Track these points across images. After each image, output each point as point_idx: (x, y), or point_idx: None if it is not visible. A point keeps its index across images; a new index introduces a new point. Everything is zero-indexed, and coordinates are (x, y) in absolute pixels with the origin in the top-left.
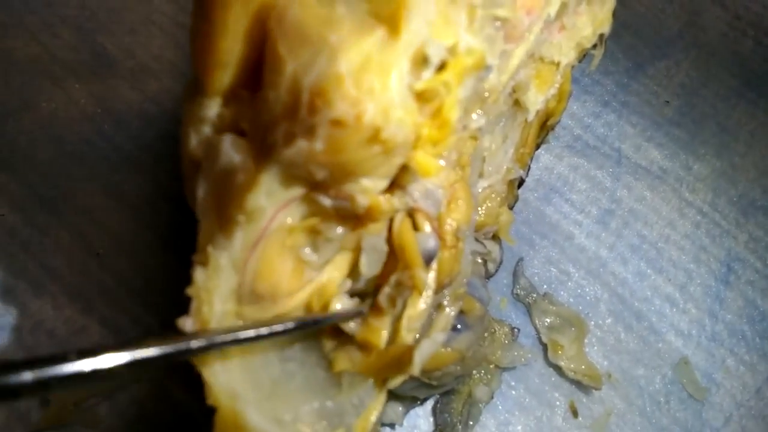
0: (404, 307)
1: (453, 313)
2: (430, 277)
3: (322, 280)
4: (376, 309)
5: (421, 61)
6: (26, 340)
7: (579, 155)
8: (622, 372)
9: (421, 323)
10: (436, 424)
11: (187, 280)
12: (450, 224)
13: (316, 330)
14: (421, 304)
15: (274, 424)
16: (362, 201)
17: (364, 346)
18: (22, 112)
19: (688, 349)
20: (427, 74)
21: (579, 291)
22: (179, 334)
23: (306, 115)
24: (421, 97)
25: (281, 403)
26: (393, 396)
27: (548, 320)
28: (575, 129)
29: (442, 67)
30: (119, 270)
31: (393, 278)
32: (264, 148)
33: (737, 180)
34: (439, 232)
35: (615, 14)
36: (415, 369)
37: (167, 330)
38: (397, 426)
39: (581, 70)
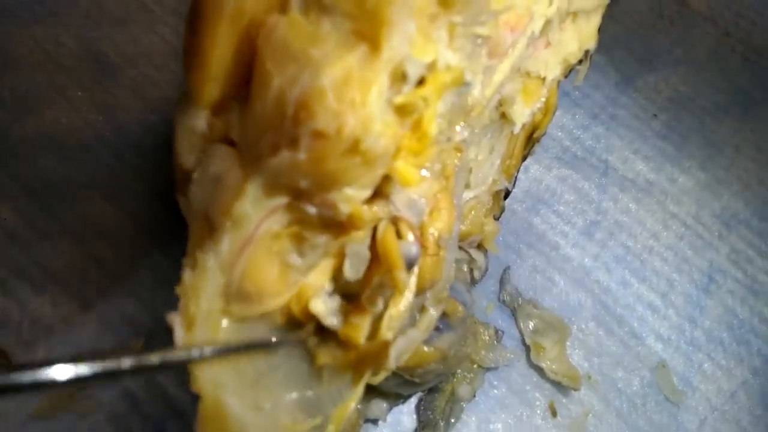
0: (386, 307)
1: (436, 315)
2: (411, 280)
3: (307, 283)
4: (359, 308)
5: (400, 76)
6: (25, 336)
7: (567, 166)
8: (602, 374)
9: (402, 323)
10: (419, 420)
11: (177, 281)
12: (432, 233)
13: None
14: (401, 305)
15: (254, 412)
16: (344, 209)
17: (345, 343)
18: (25, 119)
19: (667, 353)
20: (407, 89)
21: (563, 298)
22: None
23: (290, 127)
24: (402, 111)
25: (263, 393)
26: (377, 393)
27: (532, 324)
28: (564, 140)
29: (421, 81)
30: (116, 272)
31: (375, 280)
32: (251, 158)
33: (721, 193)
34: (421, 240)
35: (605, 28)
36: (391, 364)
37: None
38: (380, 422)
39: (571, 83)
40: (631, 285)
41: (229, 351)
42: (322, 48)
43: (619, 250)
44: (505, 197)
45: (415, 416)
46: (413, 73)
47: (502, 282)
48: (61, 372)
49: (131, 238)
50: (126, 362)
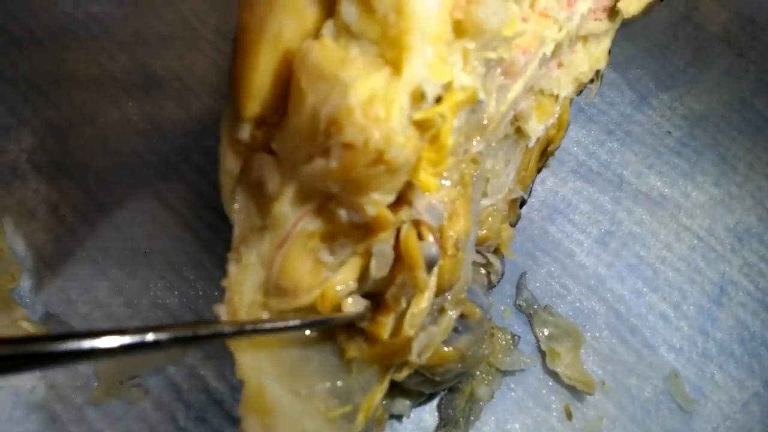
0: (408, 305)
1: (454, 316)
2: (431, 280)
3: (335, 279)
4: (383, 306)
5: (419, 96)
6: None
7: (583, 180)
8: (615, 381)
9: (422, 320)
10: (441, 418)
11: (219, 277)
12: (451, 235)
13: (331, 326)
14: (422, 303)
15: (292, 396)
16: (370, 211)
17: (372, 338)
18: (82, 127)
19: (679, 363)
20: (425, 106)
21: (578, 305)
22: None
23: (323, 139)
24: (421, 126)
25: (299, 381)
26: (401, 391)
27: (547, 330)
28: (580, 155)
29: (438, 100)
30: (162, 269)
31: (399, 279)
32: (289, 165)
33: (734, 208)
34: (440, 242)
35: (621, 48)
36: (414, 357)
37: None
38: (404, 419)
39: (583, 100)
40: (643, 294)
41: (264, 330)
42: (350, 70)
43: (632, 260)
44: (521, 206)
45: (436, 414)
46: (430, 92)
47: (519, 287)
48: (105, 342)
49: (176, 235)
50: (165, 334)
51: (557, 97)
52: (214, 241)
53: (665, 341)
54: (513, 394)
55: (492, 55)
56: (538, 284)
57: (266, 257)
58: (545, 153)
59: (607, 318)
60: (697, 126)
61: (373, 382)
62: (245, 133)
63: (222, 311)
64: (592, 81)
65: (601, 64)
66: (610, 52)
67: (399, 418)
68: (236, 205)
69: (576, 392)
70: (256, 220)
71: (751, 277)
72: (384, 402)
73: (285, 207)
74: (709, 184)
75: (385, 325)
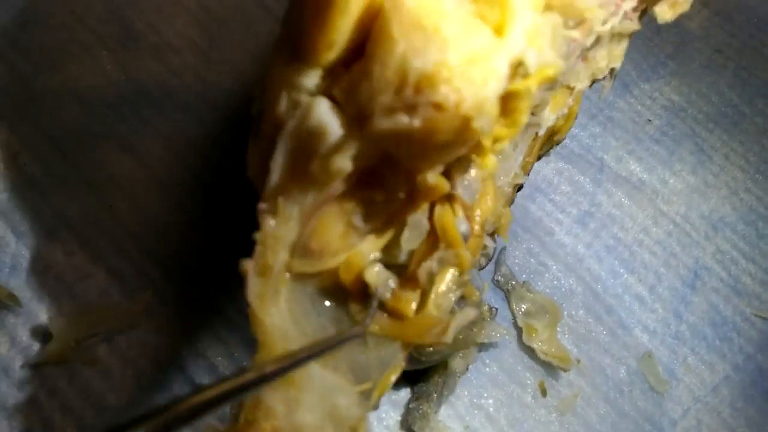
0: (432, 283)
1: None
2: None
3: (362, 246)
4: (410, 282)
5: (517, 65)
6: (33, 282)
7: (564, 161)
8: (590, 359)
9: (451, 300)
10: (413, 392)
11: (194, 238)
12: (478, 215)
13: (343, 292)
14: (450, 281)
15: (323, 368)
16: (431, 179)
17: (395, 314)
18: (51, 72)
19: (653, 345)
20: (516, 78)
21: (555, 282)
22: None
23: (411, 94)
24: (504, 98)
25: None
26: None
27: (525, 306)
28: None
29: (524, 74)
30: (129, 223)
31: (437, 255)
32: (357, 117)
33: (709, 197)
34: (469, 221)
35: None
36: (449, 339)
37: (172, 280)
38: None
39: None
40: (620, 275)
41: (309, 358)
42: (451, 25)
43: (610, 241)
44: (518, 190)
45: (409, 387)
46: (531, 63)
47: (498, 263)
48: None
49: (145, 189)
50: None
51: (573, 89)
52: (186, 201)
53: (640, 322)
54: (488, 369)
55: (575, 34)
56: (517, 261)
57: (307, 213)
58: (549, 141)
59: (584, 297)
60: (676, 116)
61: (390, 359)
62: (311, 80)
63: (250, 267)
64: (604, 78)
65: (617, 63)
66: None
67: None
68: (279, 155)
69: (551, 370)
70: (302, 171)
71: (723, 263)
72: None
73: (344, 161)
74: (687, 172)
75: (410, 302)
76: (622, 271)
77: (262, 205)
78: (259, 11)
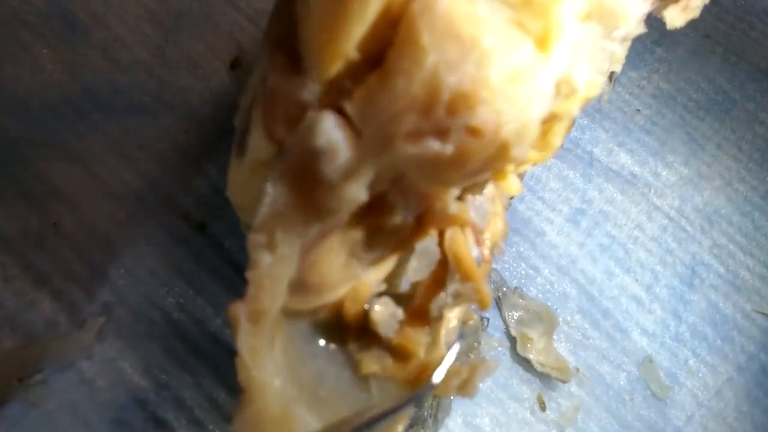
0: (443, 319)
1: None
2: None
3: (366, 278)
4: (417, 316)
5: (565, 85)
6: None
7: (553, 156)
8: (589, 368)
9: (455, 335)
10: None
11: (151, 257)
12: (487, 238)
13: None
14: (459, 316)
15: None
16: (452, 208)
17: (400, 353)
18: None
19: (652, 348)
20: (559, 99)
21: (548, 287)
22: None
23: (443, 115)
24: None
25: (324, 406)
26: None
27: (517, 314)
28: None
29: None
30: (77, 241)
31: (452, 288)
32: (374, 138)
33: (703, 188)
34: (479, 245)
35: None
36: (473, 394)
37: (127, 304)
38: None
39: None
40: (616, 276)
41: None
42: (490, 35)
43: (604, 240)
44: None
45: None
46: (580, 84)
47: None
48: None
49: (94, 203)
50: None
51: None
52: (142, 215)
53: (638, 325)
54: (481, 385)
55: (615, 46)
56: (506, 265)
57: (307, 246)
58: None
59: (579, 301)
60: (665, 105)
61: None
62: (311, 95)
63: (242, 312)
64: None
65: (617, 67)
66: None
67: None
68: (276, 180)
69: (548, 381)
70: (304, 199)
71: (721, 258)
72: None
73: (358, 190)
74: (679, 163)
75: (418, 340)
76: (617, 271)
77: (256, 238)
78: (219, 0)
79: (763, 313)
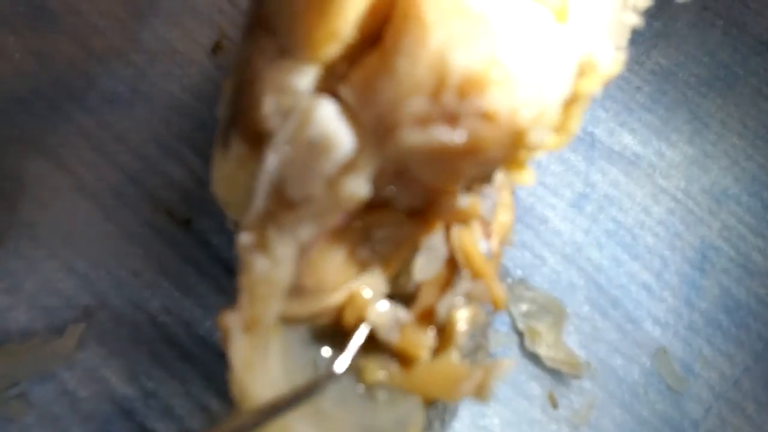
0: (452, 320)
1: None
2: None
3: (366, 280)
4: (422, 317)
5: (587, 63)
6: None
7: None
8: (600, 361)
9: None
10: None
11: (132, 256)
12: (496, 231)
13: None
14: (470, 317)
15: None
16: (462, 202)
17: (404, 359)
18: None
19: (666, 339)
20: (579, 78)
21: (554, 277)
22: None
23: (452, 99)
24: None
25: (327, 423)
26: None
27: (524, 307)
28: None
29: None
30: (51, 242)
31: (461, 287)
32: (375, 127)
33: (709, 168)
34: (488, 238)
35: None
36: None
37: (108, 307)
38: None
39: None
40: (624, 263)
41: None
42: (503, 8)
43: (609, 225)
44: None
45: None
46: (603, 63)
47: None
48: None
49: (69, 201)
50: None
51: None
52: (120, 212)
53: (650, 314)
54: None
55: (634, 19)
56: (510, 255)
57: (303, 247)
58: None
59: (587, 290)
60: (666, 81)
61: (408, 418)
62: (306, 80)
63: (234, 322)
64: None
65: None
66: None
67: None
68: (267, 173)
69: (560, 377)
70: (300, 195)
71: (731, 241)
72: None
73: (359, 185)
74: (683, 142)
75: (423, 343)
76: (625, 257)
77: (246, 238)
78: None
79: None
